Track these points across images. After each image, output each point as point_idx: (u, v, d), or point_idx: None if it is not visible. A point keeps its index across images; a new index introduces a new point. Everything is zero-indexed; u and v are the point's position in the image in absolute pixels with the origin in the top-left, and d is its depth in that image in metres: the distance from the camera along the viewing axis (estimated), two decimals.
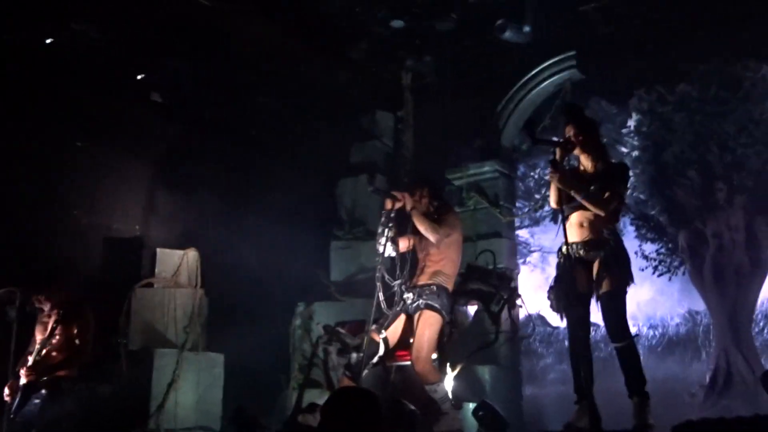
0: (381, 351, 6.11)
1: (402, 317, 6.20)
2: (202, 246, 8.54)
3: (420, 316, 6.03)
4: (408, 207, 6.12)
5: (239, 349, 8.58)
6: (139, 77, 9.27)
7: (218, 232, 9.71)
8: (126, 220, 9.69)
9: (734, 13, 8.75)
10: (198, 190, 10.14)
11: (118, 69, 9.27)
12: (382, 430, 3.27)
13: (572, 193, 5.08)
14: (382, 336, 6.09)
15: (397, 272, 6.22)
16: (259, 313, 9.35)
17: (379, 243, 6.12)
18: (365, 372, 6.04)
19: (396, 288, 6.25)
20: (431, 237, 6.07)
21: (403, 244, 6.31)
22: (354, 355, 6.12)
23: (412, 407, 6.10)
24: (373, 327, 6.08)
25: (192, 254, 8.41)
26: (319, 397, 7.77)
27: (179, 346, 7.98)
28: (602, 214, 5.12)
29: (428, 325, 6.02)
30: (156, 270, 8.32)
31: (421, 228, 6.10)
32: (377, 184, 6.07)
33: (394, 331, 6.18)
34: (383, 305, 6.06)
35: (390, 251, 6.09)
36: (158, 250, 8.48)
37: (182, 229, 9.74)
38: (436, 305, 6.04)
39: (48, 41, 8.58)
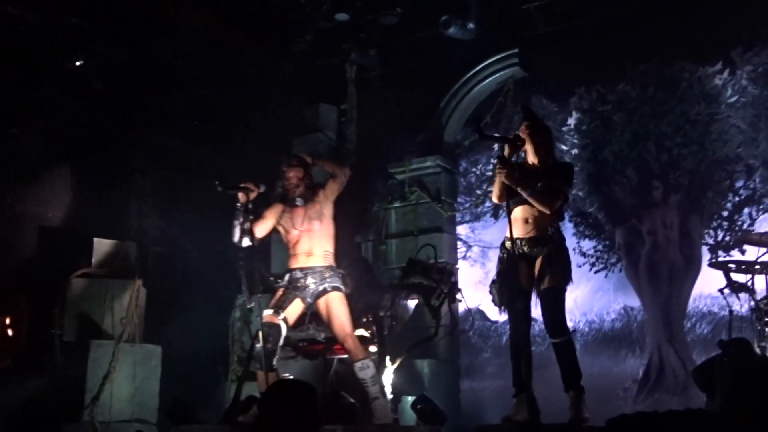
0: (284, 332, 6.13)
1: (297, 301, 6.22)
2: (141, 237, 8.42)
3: (331, 298, 6.12)
4: (252, 188, 6.15)
5: (177, 341, 8.48)
6: (78, 64, 9.06)
7: (157, 223, 9.58)
8: (62, 209, 9.48)
9: (673, 14, 8.93)
10: (136, 181, 9.99)
11: (55, 55, 9.07)
12: (321, 422, 3.26)
13: (518, 189, 5.15)
14: (281, 317, 6.10)
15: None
16: (197, 305, 9.24)
17: (234, 235, 6.15)
18: (275, 358, 6.04)
19: (297, 274, 6.26)
20: (341, 175, 6.39)
21: (267, 225, 6.35)
22: (258, 346, 6.08)
23: (352, 400, 6.12)
24: (269, 311, 6.11)
25: (129, 245, 8.29)
26: (257, 389, 7.74)
27: (116, 337, 7.85)
28: (547, 212, 5.20)
29: (342, 304, 6.19)
30: (93, 260, 8.17)
31: (334, 168, 6.47)
32: (223, 184, 6.08)
33: (291, 312, 6.22)
34: (246, 294, 6.09)
35: (246, 242, 6.11)
36: (95, 240, 8.32)
37: (121, 220, 9.57)
38: (340, 285, 6.19)
39: None
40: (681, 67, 10.86)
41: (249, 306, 6.23)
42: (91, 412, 7.54)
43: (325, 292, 6.14)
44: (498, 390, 11.09)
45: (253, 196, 6.13)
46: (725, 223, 12.06)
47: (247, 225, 6.06)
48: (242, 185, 6.19)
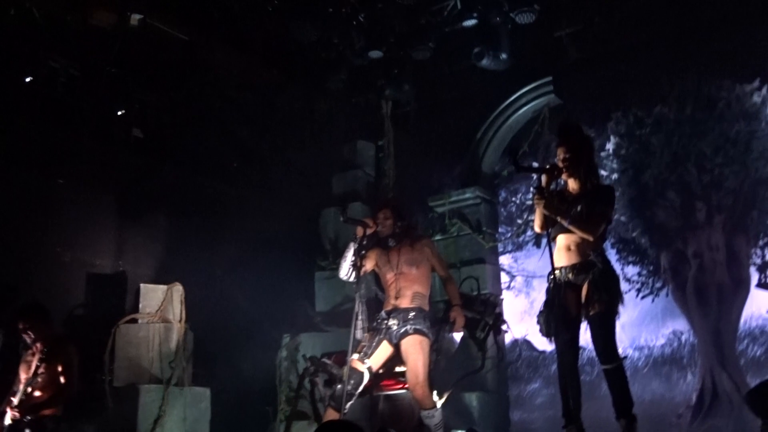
0: (366, 380, 6.09)
1: (384, 343, 6.17)
2: (186, 280, 8.49)
3: (409, 341, 6.02)
4: (371, 224, 6.18)
5: (225, 383, 8.53)
6: (119, 113, 9.26)
7: (201, 266, 9.66)
8: (108, 256, 9.65)
9: (706, 34, 8.89)
10: (180, 225, 10.12)
11: (96, 105, 9.27)
12: None
13: (558, 218, 5.10)
14: (366, 365, 6.07)
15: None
16: (244, 345, 9.30)
17: (342, 267, 6.16)
18: (350, 402, 6.00)
19: (382, 313, 6.25)
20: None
21: (368, 265, 6.34)
22: (338, 386, 6.07)
23: None
24: (355, 356, 6.06)
25: (176, 289, 8.36)
26: (306, 429, 7.74)
27: (165, 381, 7.90)
28: (590, 238, 5.13)
29: (420, 350, 6.02)
30: (140, 305, 8.25)
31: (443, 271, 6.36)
32: (349, 214, 6.13)
33: (377, 359, 6.17)
34: (359, 333, 6.04)
35: (352, 277, 6.11)
36: (141, 285, 8.42)
37: (165, 264, 9.69)
38: (424, 329, 6.06)
39: (27, 80, 8.56)
40: (718, 86, 10.72)
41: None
42: None
43: (406, 334, 6.05)
44: (548, 421, 10.93)
45: (369, 231, 6.15)
46: None
47: (358, 260, 6.06)
48: (362, 219, 6.24)
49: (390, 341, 6.13)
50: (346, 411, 5.93)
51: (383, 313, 6.22)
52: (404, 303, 6.14)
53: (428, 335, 6.08)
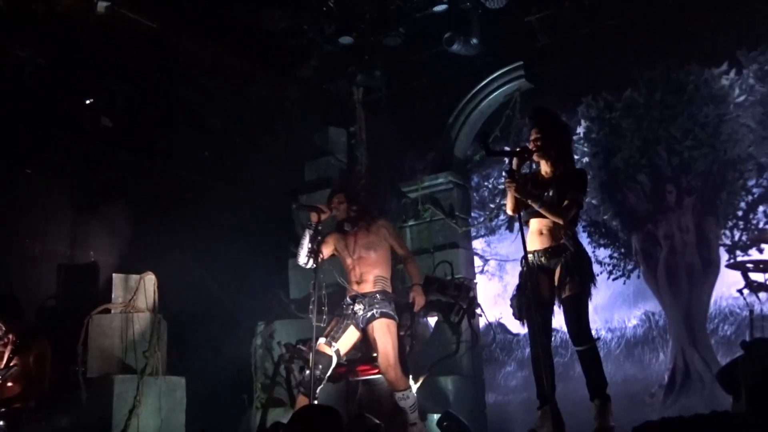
0: (334, 363, 6.11)
1: (351, 328, 6.20)
2: (159, 270, 8.45)
3: (377, 325, 6.06)
4: (325, 209, 6.19)
5: (201, 372, 8.50)
6: (87, 102, 9.16)
7: (174, 256, 9.61)
8: (80, 246, 9.56)
9: (675, 19, 8.96)
10: (152, 215, 10.04)
11: (64, 94, 9.18)
12: None
13: (529, 202, 5.13)
14: (333, 348, 6.09)
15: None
16: (219, 334, 9.28)
17: (301, 255, 6.17)
18: (320, 387, 6.01)
19: (347, 301, 6.27)
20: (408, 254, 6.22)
21: (326, 251, 6.35)
22: (307, 372, 6.09)
23: (377, 421, 6.11)
24: (322, 341, 6.09)
25: (148, 278, 8.31)
26: (283, 415, 7.74)
27: (139, 371, 7.86)
28: (561, 222, 5.17)
29: (389, 333, 6.08)
30: (112, 295, 8.20)
31: (400, 249, 6.36)
32: (301, 201, 6.14)
33: (344, 343, 6.20)
34: (319, 319, 6.04)
35: (311, 263, 6.11)
36: (114, 275, 8.37)
37: (138, 254, 9.62)
38: (390, 312, 6.12)
39: None
40: (687, 71, 10.84)
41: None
42: None
43: (373, 318, 6.09)
44: (523, 403, 11.05)
45: (324, 217, 6.15)
46: (741, 223, 12.01)
47: (315, 246, 6.05)
48: (316, 205, 6.22)
49: (357, 326, 6.17)
50: (317, 396, 5.93)
51: (348, 299, 6.27)
52: (367, 287, 6.19)
53: (394, 317, 6.15)
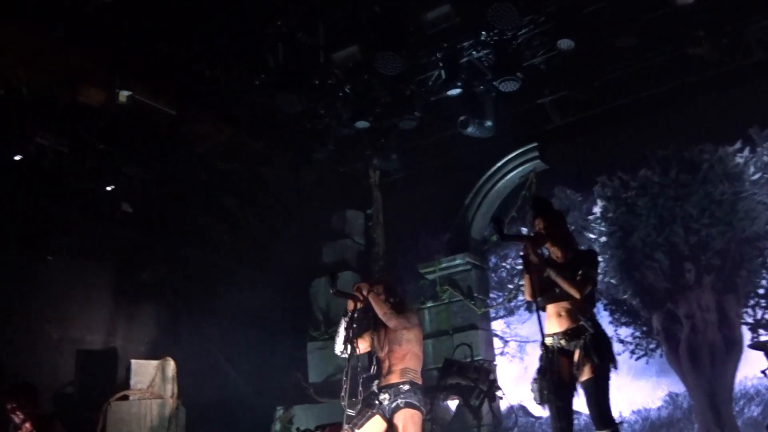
0: None
1: (377, 418, 6.13)
2: (177, 355, 8.44)
3: (401, 415, 5.99)
4: (365, 292, 6.13)
5: None
6: (108, 188, 9.30)
7: (193, 340, 9.61)
8: (98, 332, 9.57)
9: (687, 99, 9.07)
10: (168, 298, 10.08)
11: (85, 181, 9.32)
12: None
13: (549, 271, 5.12)
14: None
15: (373, 371, 6.18)
16: (237, 419, 9.19)
17: (337, 343, 6.12)
18: None
19: (374, 388, 6.21)
20: (389, 322, 6.09)
21: (363, 345, 6.29)
22: None
23: None
24: (346, 427, 6.01)
25: (167, 363, 8.29)
26: None
27: None
28: (577, 296, 5.14)
29: (413, 423, 6.00)
30: (131, 381, 8.18)
31: (380, 312, 6.12)
32: (339, 287, 6.09)
33: (366, 431, 6.12)
34: (347, 407, 5.95)
35: (347, 352, 6.05)
36: (132, 361, 8.36)
37: (156, 339, 9.63)
38: (415, 402, 6.04)
39: (16, 158, 8.61)
40: (700, 149, 10.89)
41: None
42: None
43: (398, 408, 6.04)
44: None
45: (360, 305, 6.12)
46: (763, 301, 11.86)
47: (350, 334, 6.02)
48: (353, 293, 6.20)
49: (383, 416, 6.10)
50: None
51: (375, 389, 6.20)
52: (394, 378, 6.13)
53: (420, 408, 6.07)
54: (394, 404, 6.00)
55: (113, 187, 9.28)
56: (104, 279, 9.81)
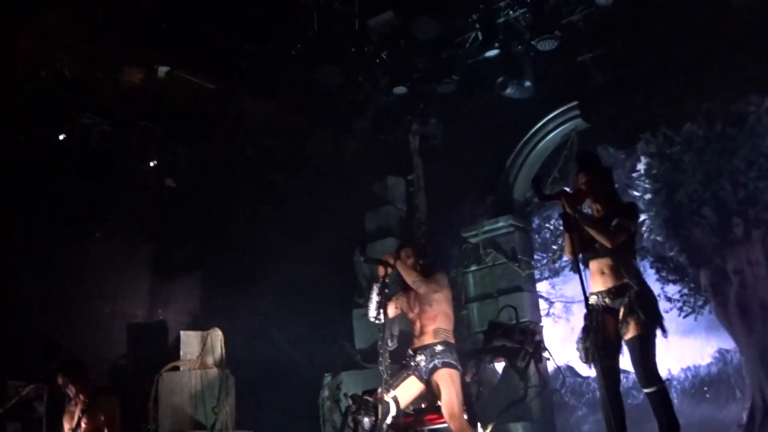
0: (393, 411, 6.07)
1: (412, 378, 6.18)
2: (225, 325, 8.57)
3: (439, 375, 6.03)
4: (392, 262, 6.16)
5: (269, 426, 8.54)
6: (152, 164, 9.42)
7: (240, 311, 9.73)
8: (148, 305, 9.75)
9: (730, 50, 8.86)
10: (217, 271, 10.22)
11: (130, 158, 9.45)
12: None
13: (583, 224, 5.08)
14: (390, 395, 6.05)
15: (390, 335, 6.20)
16: (286, 387, 9.32)
17: (370, 308, 6.17)
18: None
19: (409, 353, 6.26)
20: (419, 289, 6.14)
21: (391, 309, 6.33)
22: (366, 420, 6.09)
23: None
24: (380, 389, 6.07)
25: (215, 334, 8.43)
26: None
27: (209, 427, 7.95)
28: (608, 245, 5.08)
29: (452, 383, 6.05)
30: (181, 352, 8.34)
31: (409, 280, 6.18)
32: (368, 253, 6.15)
33: (403, 392, 6.17)
34: (386, 371, 5.98)
35: (381, 317, 6.08)
36: (182, 332, 8.53)
37: (204, 311, 9.79)
38: (452, 361, 6.08)
39: (61, 137, 8.76)
40: (746, 101, 10.64)
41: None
42: None
43: (435, 368, 6.08)
44: None
45: (391, 271, 6.17)
46: None
47: (383, 299, 6.07)
48: (383, 259, 6.25)
49: (420, 378, 6.15)
50: None
51: (410, 351, 6.25)
52: (428, 339, 6.17)
53: (457, 367, 6.12)
54: (431, 365, 6.06)
55: (156, 162, 9.39)
56: (152, 254, 9.99)
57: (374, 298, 6.16)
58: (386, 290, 6.12)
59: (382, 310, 6.05)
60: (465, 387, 6.60)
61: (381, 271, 6.17)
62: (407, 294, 6.37)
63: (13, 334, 8.00)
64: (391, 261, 6.22)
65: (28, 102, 8.44)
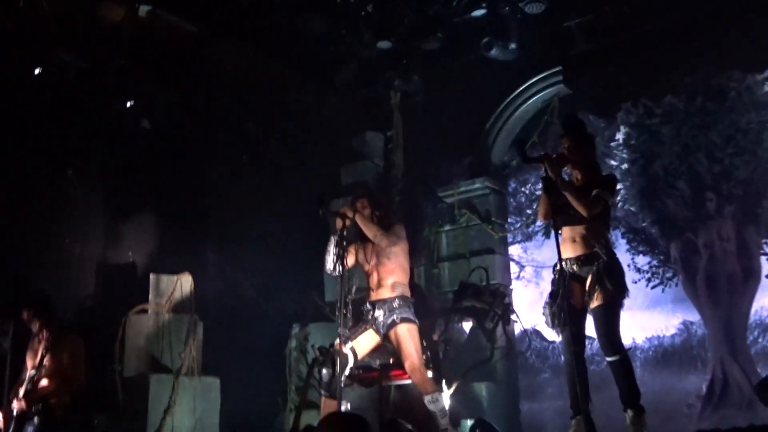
0: (351, 362, 6.11)
1: (370, 332, 6.21)
2: (195, 271, 8.54)
3: (398, 330, 6.06)
4: (350, 215, 6.16)
5: (235, 373, 8.56)
6: (128, 104, 9.28)
7: (211, 258, 9.71)
8: (118, 247, 9.68)
9: (715, 25, 8.84)
10: (187, 216, 10.14)
11: (106, 98, 9.30)
12: None
13: (563, 189, 5.11)
14: (348, 347, 6.08)
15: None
16: (253, 336, 9.33)
17: (328, 261, 6.17)
18: (343, 386, 5.99)
19: (367, 307, 6.27)
20: (381, 242, 6.16)
21: (350, 260, 6.34)
22: (325, 371, 6.13)
23: (409, 426, 6.10)
24: (337, 341, 6.09)
25: (185, 279, 8.40)
26: (316, 418, 7.75)
27: (175, 371, 7.96)
28: (584, 214, 5.14)
29: (411, 337, 6.09)
30: (149, 296, 8.31)
31: (370, 234, 6.19)
32: (325, 207, 6.11)
33: (360, 344, 6.20)
34: (344, 322, 5.99)
35: (338, 269, 6.08)
36: (151, 275, 8.48)
37: (175, 255, 9.73)
38: (410, 316, 6.12)
39: (36, 71, 8.59)
40: (728, 77, 10.68)
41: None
42: None
43: (394, 324, 6.10)
44: (558, 411, 10.95)
45: (348, 223, 6.15)
46: None
47: (341, 252, 6.06)
48: (341, 211, 6.21)
49: (377, 331, 6.17)
50: (340, 397, 5.90)
51: (368, 305, 6.26)
52: (385, 293, 6.19)
53: (415, 321, 6.16)
54: (389, 320, 6.09)
55: (133, 102, 9.25)
56: (124, 196, 9.88)
57: (332, 250, 6.17)
58: (344, 243, 6.12)
59: (339, 263, 6.05)
60: (432, 345, 6.66)
61: (339, 223, 6.16)
62: (364, 245, 6.37)
63: None
64: (350, 214, 6.20)
65: (2, 33, 8.26)
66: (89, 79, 8.99)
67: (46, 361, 6.48)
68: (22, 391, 6.42)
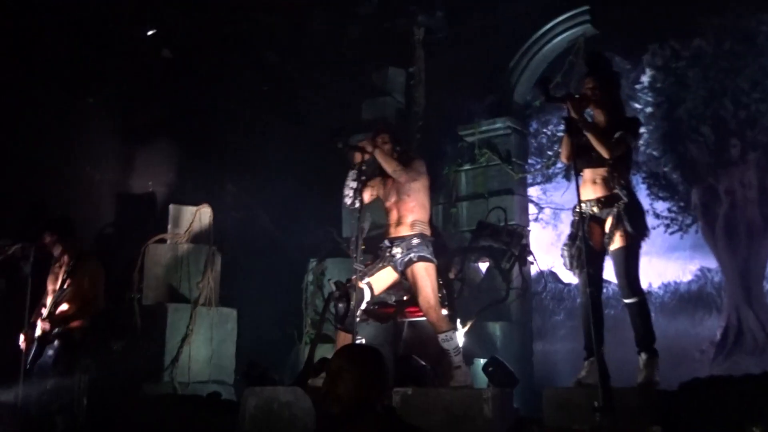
0: (367, 297, 6.12)
1: (388, 269, 6.19)
2: (213, 202, 8.55)
3: (416, 269, 6.05)
4: (369, 149, 6.09)
5: (252, 305, 8.64)
6: (149, 33, 9.21)
7: (230, 189, 9.72)
8: (138, 176, 9.73)
9: None
10: (206, 147, 10.14)
11: (127, 26, 9.24)
12: (390, 385, 3.24)
13: (586, 130, 5.04)
14: (364, 282, 6.08)
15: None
16: (271, 269, 9.40)
17: (347, 196, 6.13)
18: (353, 320, 6.02)
19: (385, 243, 6.25)
20: (400, 178, 6.09)
21: (367, 195, 6.30)
22: (340, 306, 6.14)
23: (423, 362, 6.15)
24: (354, 276, 6.09)
25: (204, 210, 8.43)
26: (331, 351, 7.83)
27: (192, 301, 8.04)
28: (606, 156, 5.06)
29: (428, 275, 6.05)
30: (169, 226, 8.35)
31: (389, 169, 6.10)
32: (345, 140, 6.03)
33: (378, 280, 6.19)
34: (357, 258, 5.98)
35: (357, 203, 6.04)
36: (171, 205, 8.51)
37: (194, 186, 9.75)
38: (428, 255, 6.08)
39: None
40: (758, 20, 10.42)
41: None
42: (170, 373, 7.78)
43: (411, 262, 6.08)
44: (571, 353, 10.99)
45: (367, 157, 6.10)
46: None
47: (359, 186, 6.02)
48: (360, 145, 6.16)
49: (395, 268, 6.15)
50: (356, 331, 5.92)
51: (386, 241, 6.23)
52: (405, 231, 6.14)
53: (433, 260, 6.12)
54: (407, 258, 6.05)
55: (154, 31, 9.17)
56: (144, 125, 9.88)
57: (350, 184, 6.12)
58: (363, 177, 6.08)
59: (358, 197, 6.01)
60: (448, 283, 6.65)
61: (358, 157, 6.09)
62: (385, 181, 6.32)
63: (0, 193, 7.97)
64: (369, 148, 6.14)
65: None
66: (109, 5, 8.91)
67: (66, 285, 6.52)
68: (44, 314, 6.50)
